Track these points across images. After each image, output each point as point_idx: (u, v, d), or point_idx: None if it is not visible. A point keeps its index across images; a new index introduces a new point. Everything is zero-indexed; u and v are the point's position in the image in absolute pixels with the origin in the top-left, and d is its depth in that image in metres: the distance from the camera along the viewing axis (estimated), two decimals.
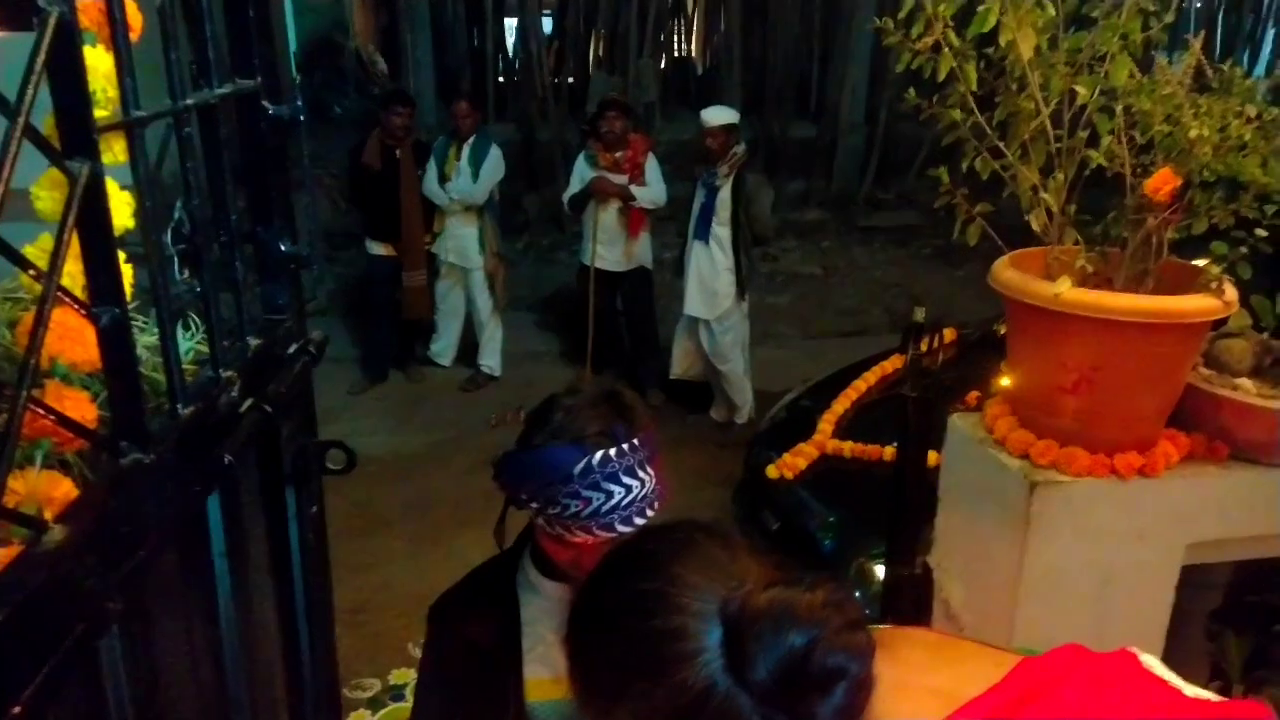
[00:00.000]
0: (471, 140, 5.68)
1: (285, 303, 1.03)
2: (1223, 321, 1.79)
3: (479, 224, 5.82)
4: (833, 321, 7.35)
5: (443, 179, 5.69)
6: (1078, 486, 1.62)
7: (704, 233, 5.11)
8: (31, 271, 0.62)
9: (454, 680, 1.46)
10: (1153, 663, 0.83)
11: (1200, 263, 1.61)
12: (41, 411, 0.63)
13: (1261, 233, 1.55)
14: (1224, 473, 1.66)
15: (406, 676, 3.58)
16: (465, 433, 5.64)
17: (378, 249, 5.93)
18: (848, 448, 3.36)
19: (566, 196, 5.70)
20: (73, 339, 0.70)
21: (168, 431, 0.76)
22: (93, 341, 0.70)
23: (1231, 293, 1.57)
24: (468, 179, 5.64)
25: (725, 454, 5.01)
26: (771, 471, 3.43)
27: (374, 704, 3.45)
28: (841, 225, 8.27)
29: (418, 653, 3.72)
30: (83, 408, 0.70)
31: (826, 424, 3.52)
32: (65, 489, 0.67)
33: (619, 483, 1.27)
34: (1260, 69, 8.61)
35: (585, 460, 1.25)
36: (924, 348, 2.32)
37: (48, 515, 0.64)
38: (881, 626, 0.87)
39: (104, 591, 0.66)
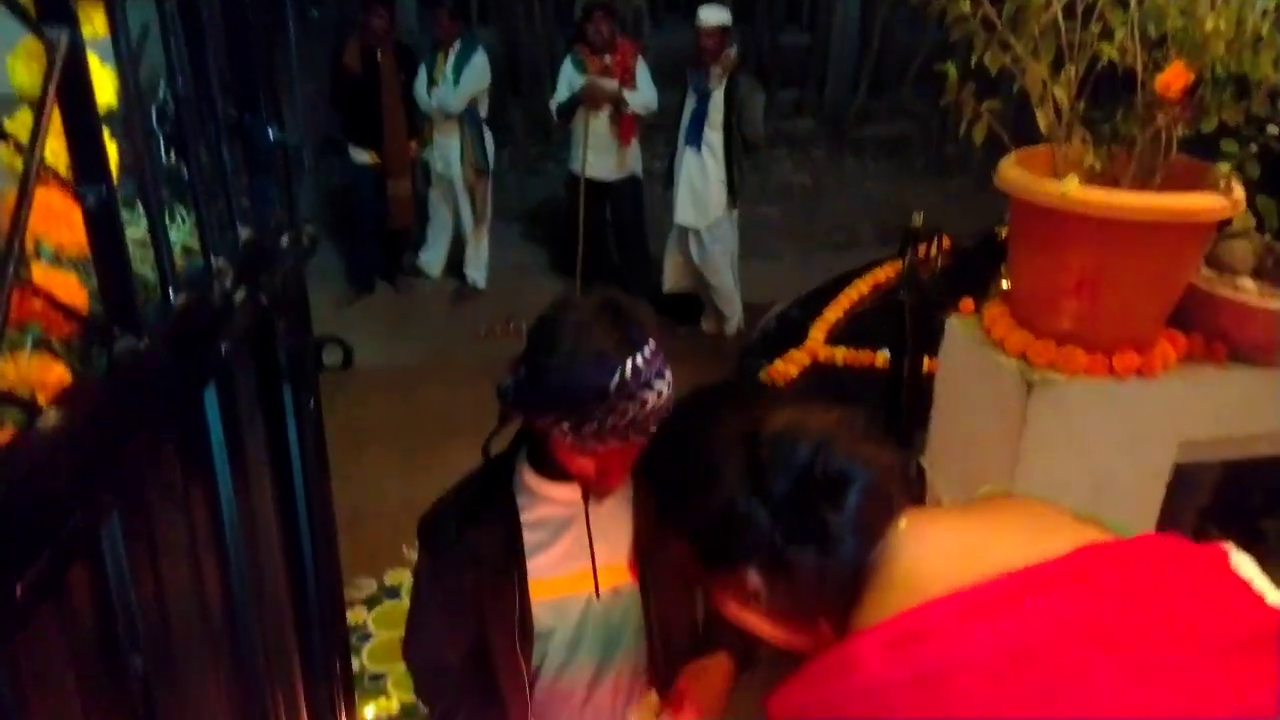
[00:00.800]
0: (457, 46, 5.50)
1: (275, 193, 0.99)
2: (1228, 222, 1.77)
3: (460, 134, 5.68)
4: (822, 234, 7.29)
5: (431, 84, 5.54)
6: (1074, 386, 1.62)
7: (695, 139, 5.01)
8: (11, 142, 0.59)
9: (454, 589, 1.48)
10: (1242, 562, 0.80)
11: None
12: (31, 291, 0.60)
13: (1273, 130, 1.51)
14: (1221, 373, 1.66)
15: (401, 576, 3.64)
16: (454, 344, 5.62)
17: (361, 156, 5.79)
18: (840, 354, 3.36)
19: (554, 104, 5.55)
20: (58, 220, 0.67)
21: (161, 319, 0.73)
22: (79, 223, 0.67)
23: (1239, 192, 1.54)
24: (450, 86, 5.49)
25: (716, 365, 5.01)
26: (763, 377, 3.44)
27: (370, 602, 3.52)
28: (833, 136, 8.13)
29: (412, 554, 3.77)
30: (72, 292, 0.68)
31: (818, 331, 3.52)
32: (58, 374, 0.65)
33: (650, 388, 1.27)
34: None
35: (619, 375, 1.24)
36: (921, 253, 2.30)
37: (41, 401, 0.62)
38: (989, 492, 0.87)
39: (102, 478, 0.64)
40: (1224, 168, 1.53)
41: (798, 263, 6.65)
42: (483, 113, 5.75)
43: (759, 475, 0.77)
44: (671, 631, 1.58)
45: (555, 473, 1.48)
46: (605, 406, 1.24)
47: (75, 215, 0.67)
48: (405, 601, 3.52)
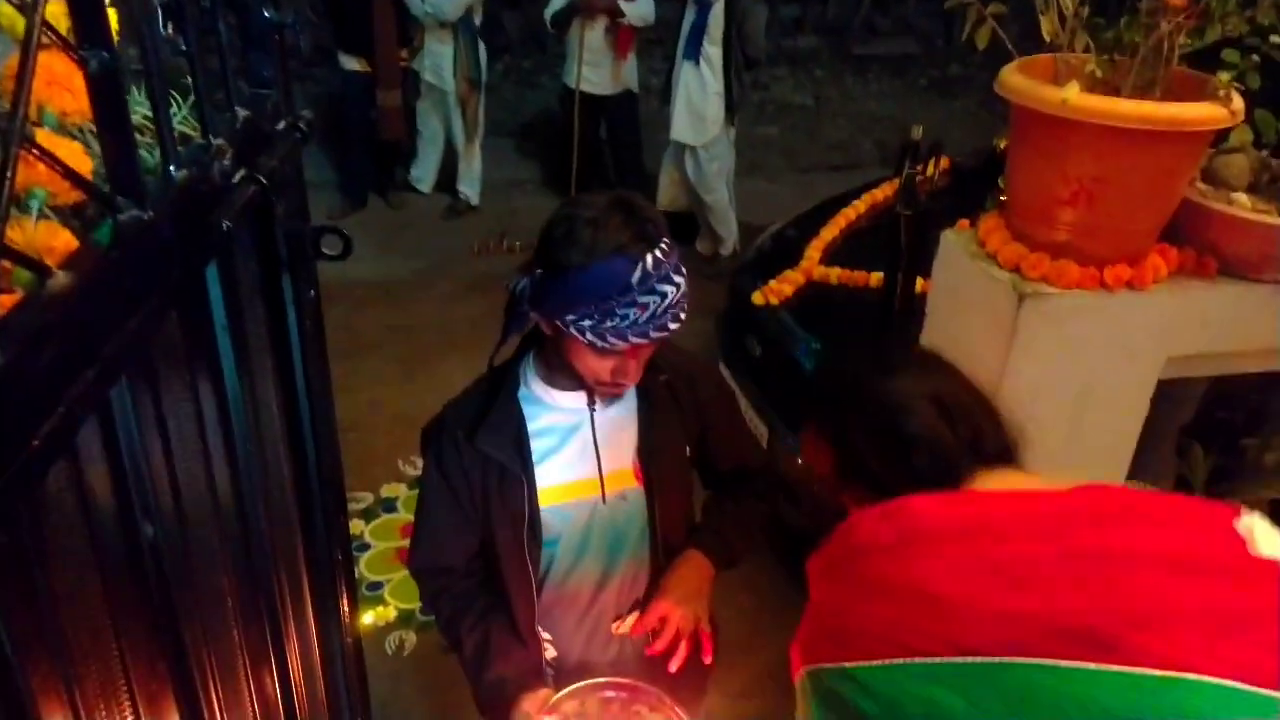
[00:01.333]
0: None
1: (271, 75, 0.98)
2: (1225, 137, 1.76)
3: (454, 43, 5.56)
4: (822, 154, 7.22)
5: None
6: (1066, 299, 1.63)
7: (694, 52, 4.92)
8: (16, 2, 0.58)
9: (463, 489, 1.51)
10: (1248, 523, 0.89)
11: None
12: (36, 154, 0.60)
13: (1277, 39, 1.50)
14: (1210, 287, 1.68)
15: (397, 490, 3.71)
16: (448, 259, 5.61)
17: (350, 64, 5.68)
18: (835, 274, 3.37)
19: (549, 13, 5.43)
20: (61, 85, 0.67)
21: (163, 193, 0.74)
22: (81, 90, 0.67)
23: (1238, 102, 1.53)
24: None
25: (711, 286, 5.01)
26: (757, 298, 3.45)
27: (367, 514, 3.58)
28: (835, 53, 7.98)
29: (407, 469, 3.85)
30: (77, 159, 0.68)
31: (814, 251, 3.51)
32: (64, 239, 0.66)
33: (670, 282, 1.29)
34: None
35: (640, 268, 1.25)
36: (919, 169, 2.29)
37: (50, 264, 0.63)
38: None
39: (111, 342, 0.65)
40: (1224, 77, 1.52)
41: (796, 183, 6.61)
42: (477, 21, 5.62)
43: (946, 421, 1.03)
44: (672, 533, 1.62)
45: (562, 380, 1.50)
46: (628, 300, 1.26)
47: (77, 81, 0.66)
48: (402, 514, 3.62)
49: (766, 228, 4.46)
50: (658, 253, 1.28)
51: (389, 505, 3.65)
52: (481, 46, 5.70)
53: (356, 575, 3.35)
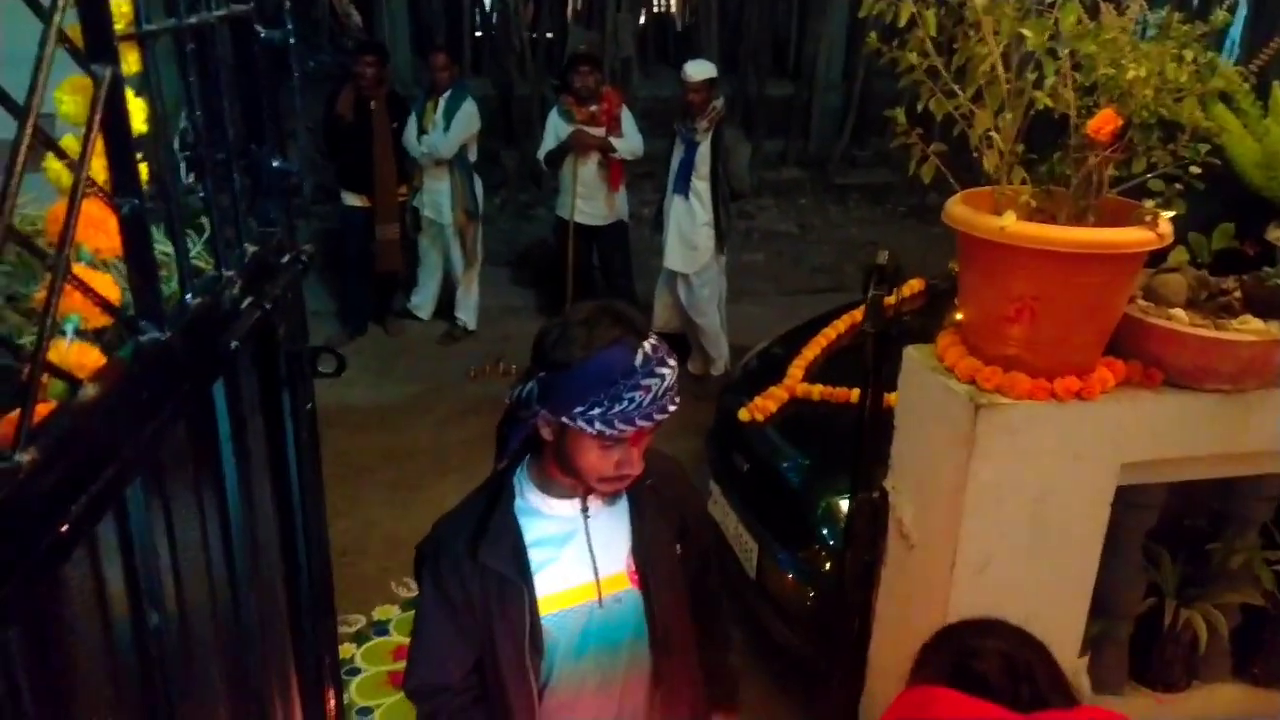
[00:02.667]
0: (448, 94, 5.70)
1: (277, 216, 1.11)
2: (1163, 258, 1.90)
3: (450, 178, 5.85)
4: (807, 279, 7.45)
5: (421, 132, 5.72)
6: (1019, 409, 1.73)
7: (683, 187, 5.18)
8: (65, 161, 0.70)
9: (463, 604, 1.55)
10: None
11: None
12: (73, 286, 0.71)
13: (1195, 170, 1.65)
14: (1157, 397, 1.78)
15: (389, 612, 3.71)
16: (443, 384, 5.72)
17: (351, 200, 5.97)
18: (816, 391, 3.47)
19: (542, 153, 5.73)
20: (96, 228, 0.78)
21: (179, 316, 0.85)
22: (114, 230, 0.78)
23: (1166, 226, 1.67)
24: (440, 132, 5.67)
25: (701, 405, 5.11)
26: (743, 414, 3.54)
27: (359, 638, 3.57)
28: (818, 183, 8.35)
29: (400, 591, 3.86)
30: (107, 289, 0.79)
31: (796, 369, 3.63)
32: (94, 358, 0.76)
33: (666, 365, 1.42)
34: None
35: (640, 352, 1.37)
36: (885, 288, 2.42)
37: (80, 378, 0.73)
38: None
39: (128, 445, 0.75)
40: (1151, 205, 1.67)
41: (783, 306, 6.79)
42: (472, 158, 5.93)
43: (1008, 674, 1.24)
44: (670, 630, 1.67)
45: (557, 489, 1.57)
46: (632, 384, 1.36)
47: (110, 223, 0.78)
48: (394, 637, 3.62)
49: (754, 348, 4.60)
50: (650, 342, 1.41)
51: (381, 628, 3.64)
52: (477, 180, 5.99)
53: (347, 700, 3.32)
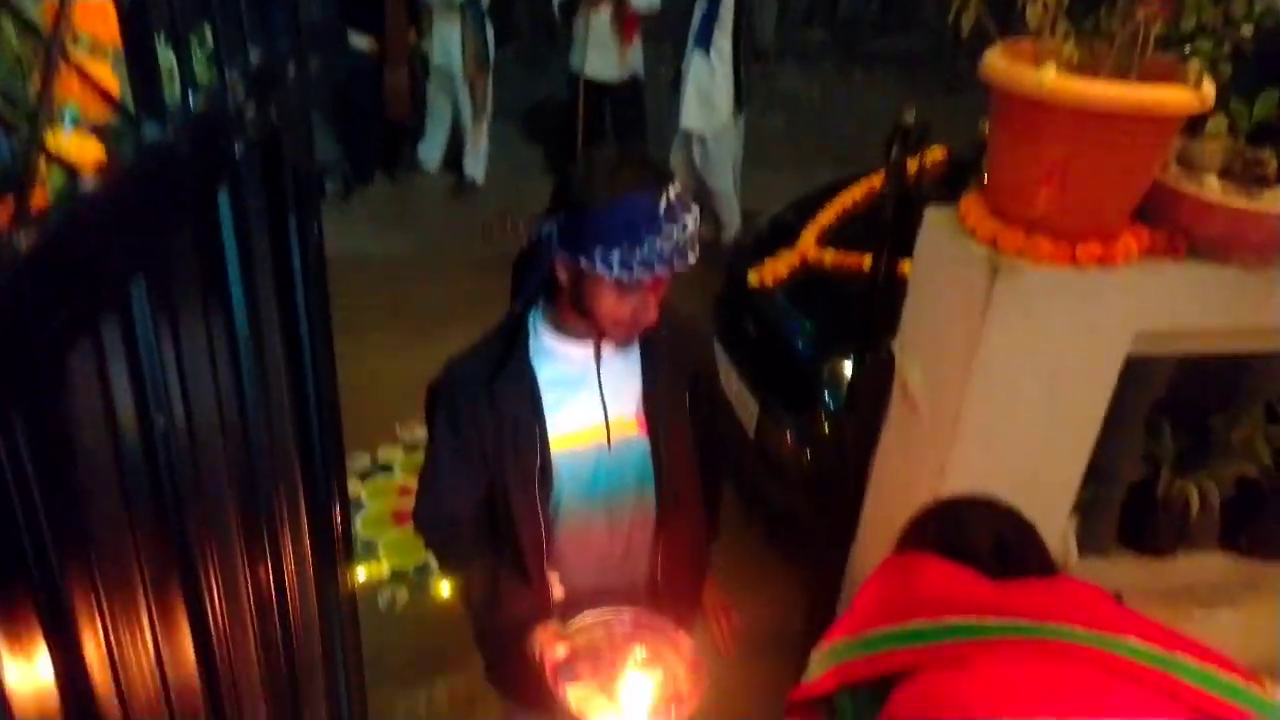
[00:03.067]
0: None
1: (283, 22, 1.05)
2: (1201, 123, 1.83)
3: (461, 25, 5.63)
4: (826, 147, 7.27)
5: None
6: (1037, 274, 1.70)
7: (705, 41, 4.99)
8: None
9: (474, 440, 1.57)
10: None
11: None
12: (70, 70, 0.67)
13: (1246, 30, 1.57)
14: (1179, 267, 1.75)
15: (394, 454, 3.79)
16: (451, 239, 5.68)
17: (359, 43, 5.75)
18: (829, 256, 3.43)
19: (557, 1, 5.51)
20: (95, 16, 0.74)
21: (182, 117, 0.81)
22: (114, 20, 0.74)
23: (1209, 88, 1.60)
24: None
25: (711, 271, 5.09)
26: (753, 279, 3.51)
27: (364, 476, 3.67)
28: (844, 49, 8.04)
29: (404, 433, 3.93)
30: (106, 79, 0.75)
31: (810, 234, 3.58)
32: (94, 152, 0.73)
33: (689, 212, 1.40)
34: None
35: (663, 198, 1.35)
36: (909, 150, 2.35)
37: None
38: None
39: (131, 244, 0.73)
40: (1196, 65, 1.59)
41: (799, 174, 6.65)
42: (484, 3, 5.69)
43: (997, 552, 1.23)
44: (676, 478, 1.70)
45: (571, 331, 1.57)
46: (655, 228, 1.34)
47: (110, 10, 0.74)
48: (398, 477, 3.70)
49: None
50: (673, 189, 1.38)
51: (385, 468, 3.73)
52: (489, 28, 5.77)
53: (352, 534, 3.43)
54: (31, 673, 0.66)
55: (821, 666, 1.11)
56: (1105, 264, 1.71)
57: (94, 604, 0.73)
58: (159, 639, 0.81)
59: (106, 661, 0.73)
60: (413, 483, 3.72)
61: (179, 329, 0.83)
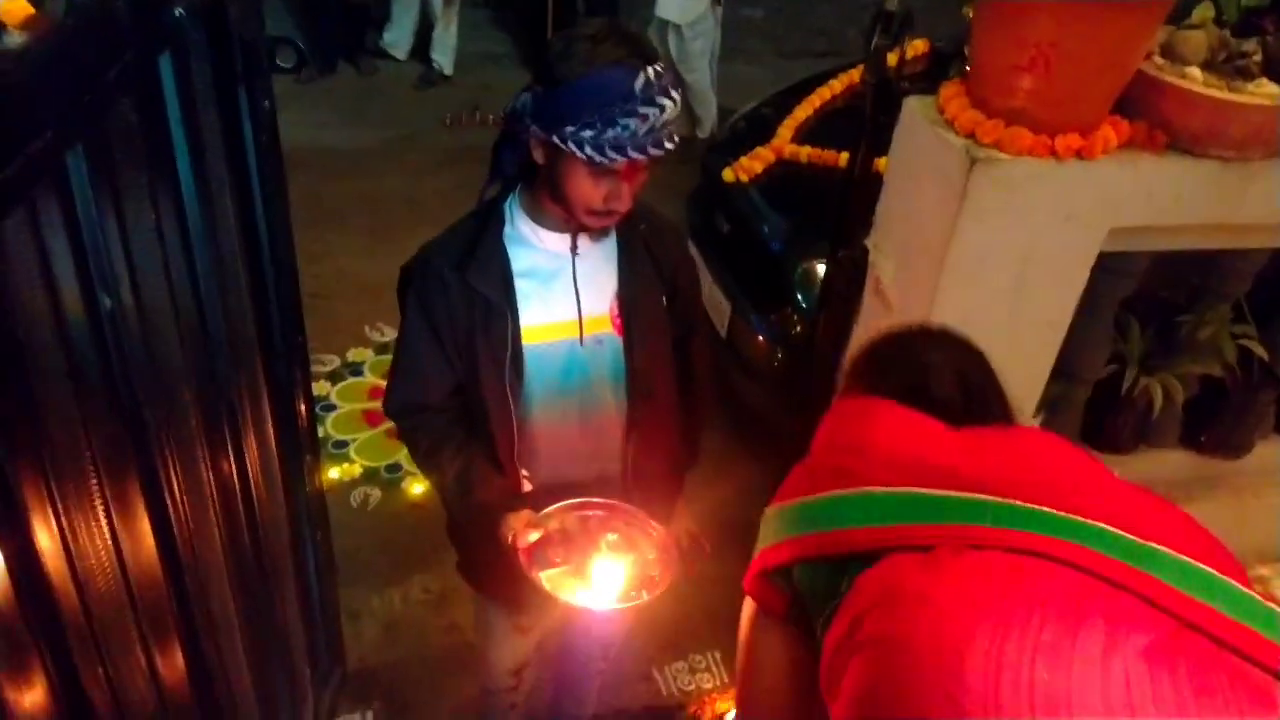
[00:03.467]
0: None
1: None
2: (1188, 13, 1.78)
3: None
4: (806, 40, 7.09)
5: None
6: (1015, 165, 1.67)
7: None
8: None
9: (446, 325, 1.54)
10: None
11: None
12: None
13: None
14: (1158, 160, 1.72)
15: (363, 354, 3.75)
16: (418, 131, 5.52)
17: None
18: (805, 152, 3.37)
19: None
20: None
21: None
22: None
23: None
24: None
25: (685, 168, 5.00)
26: (727, 174, 3.45)
27: (334, 377, 3.63)
28: None
29: (374, 334, 3.89)
30: None
31: (786, 129, 3.50)
32: (20, 5, 0.67)
33: (668, 96, 1.33)
34: None
35: (641, 77, 1.28)
36: (891, 41, 2.28)
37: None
38: None
39: (66, 109, 0.68)
40: None
41: (778, 68, 6.49)
42: None
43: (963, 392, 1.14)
44: (651, 379, 1.68)
45: (548, 219, 1.53)
46: (629, 109, 1.29)
47: None
48: (368, 378, 3.68)
49: None
50: (655, 68, 1.32)
51: (355, 369, 3.70)
52: None
53: (322, 434, 3.42)
54: None
55: (777, 534, 1.05)
56: (1084, 156, 1.68)
57: (44, 490, 0.70)
58: (115, 527, 0.80)
59: (60, 549, 0.72)
60: (383, 383, 3.71)
61: (123, 205, 0.79)
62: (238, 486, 1.13)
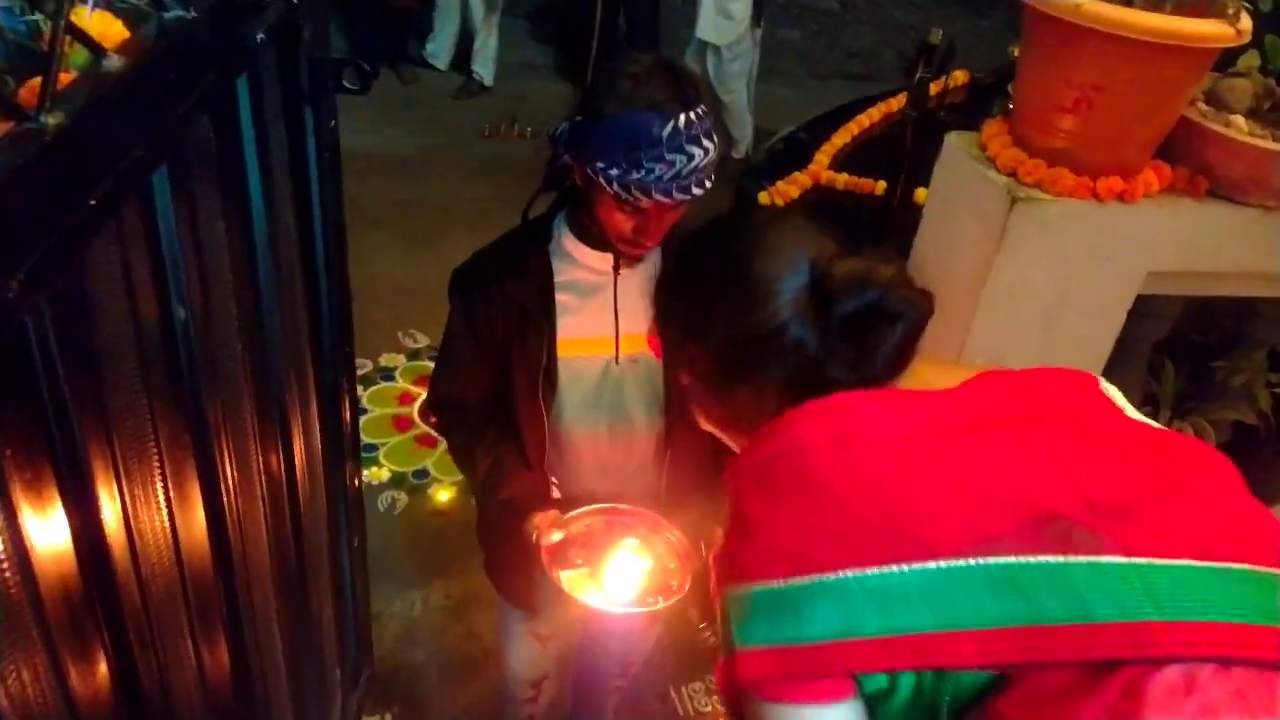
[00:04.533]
0: None
1: None
2: (1233, 60, 1.79)
3: None
4: (843, 62, 7.11)
5: None
6: (1056, 206, 1.68)
7: None
8: None
9: (485, 331, 1.58)
10: (1109, 387, 0.94)
11: None
12: None
13: None
14: (1198, 206, 1.73)
15: (395, 360, 3.80)
16: (456, 140, 5.58)
17: None
18: (841, 179, 3.39)
19: None
20: None
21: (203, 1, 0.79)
22: None
23: (1246, 23, 1.56)
24: None
25: (720, 187, 5.03)
26: (763, 198, 3.47)
27: (365, 381, 3.67)
28: None
29: (406, 340, 3.93)
30: None
31: (824, 155, 3.52)
32: (117, 30, 0.71)
33: (699, 144, 1.34)
34: None
35: (670, 123, 1.30)
36: (935, 78, 2.30)
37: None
38: None
39: (153, 128, 0.71)
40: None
41: (814, 90, 6.52)
42: None
43: (823, 302, 0.86)
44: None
45: (592, 239, 1.56)
46: (655, 155, 1.31)
47: None
48: (399, 383, 3.72)
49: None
50: (692, 114, 1.33)
51: (387, 374, 3.74)
52: None
53: (359, 431, 3.46)
54: (50, 532, 0.67)
55: (847, 623, 0.76)
56: (1125, 199, 1.69)
57: (111, 471, 0.74)
58: (173, 512, 0.83)
59: (122, 526, 0.75)
60: (414, 389, 3.73)
61: (197, 220, 0.82)
62: (284, 484, 1.17)
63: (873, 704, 0.78)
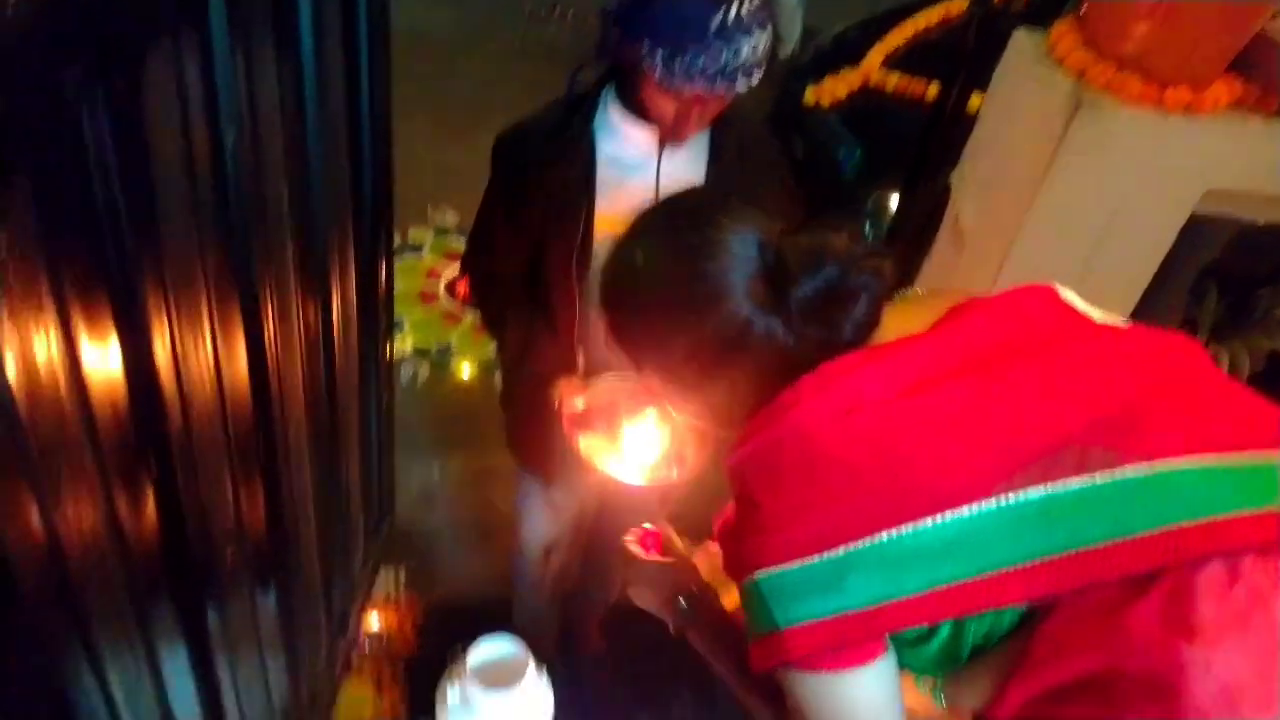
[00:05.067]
0: None
1: None
2: None
3: None
4: None
5: None
6: (1121, 114, 1.62)
7: None
8: None
9: (520, 213, 1.56)
10: (1069, 295, 0.90)
11: None
12: None
13: None
14: (1266, 124, 1.67)
15: (424, 236, 3.79)
16: (498, 21, 5.43)
17: None
18: (893, 80, 3.28)
19: None
20: None
21: None
22: None
23: None
24: None
25: (762, 88, 4.89)
26: (809, 96, 3.38)
27: (393, 254, 3.67)
28: None
29: (436, 216, 3.91)
30: None
31: (877, 54, 3.40)
32: None
33: (749, 35, 1.29)
34: None
35: (722, 14, 1.26)
36: None
37: None
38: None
39: None
40: None
41: None
42: None
43: (782, 283, 0.82)
44: None
45: (638, 112, 1.52)
46: (703, 43, 1.27)
47: None
48: (427, 258, 3.71)
49: None
50: (746, 4, 1.28)
51: (415, 249, 3.74)
52: None
53: (393, 295, 3.48)
54: (105, 361, 0.68)
55: (892, 582, 0.77)
56: (1192, 112, 1.63)
57: (162, 302, 0.74)
58: (218, 347, 0.84)
59: (171, 359, 0.76)
60: (440, 265, 3.73)
61: (251, 51, 0.81)
62: (320, 332, 1.17)
63: (904, 649, 0.81)
